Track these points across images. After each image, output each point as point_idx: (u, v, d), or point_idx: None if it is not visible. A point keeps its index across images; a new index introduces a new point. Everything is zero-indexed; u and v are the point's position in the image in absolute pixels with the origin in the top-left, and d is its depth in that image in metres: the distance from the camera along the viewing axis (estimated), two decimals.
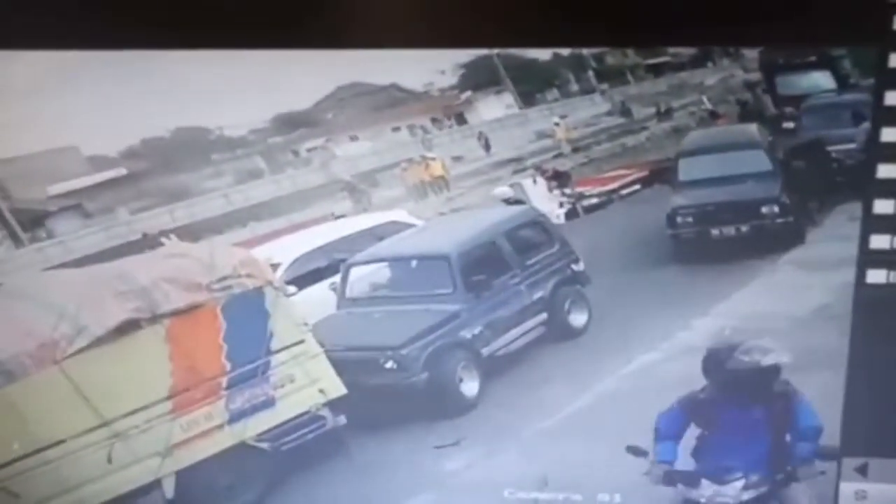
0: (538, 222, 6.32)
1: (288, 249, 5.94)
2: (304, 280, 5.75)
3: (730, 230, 6.15)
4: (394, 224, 6.28)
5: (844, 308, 3.64)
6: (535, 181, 6.86)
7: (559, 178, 6.95)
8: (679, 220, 6.26)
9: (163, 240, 5.41)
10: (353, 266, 6.11)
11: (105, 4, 3.02)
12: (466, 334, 5.64)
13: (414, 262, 6.08)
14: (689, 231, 6.24)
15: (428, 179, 6.75)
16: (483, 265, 5.84)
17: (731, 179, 6.27)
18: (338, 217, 6.59)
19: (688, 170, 6.39)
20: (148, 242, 5.51)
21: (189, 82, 4.27)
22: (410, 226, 6.32)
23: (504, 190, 6.84)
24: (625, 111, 7.21)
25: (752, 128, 6.50)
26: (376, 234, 6.19)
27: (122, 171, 5.60)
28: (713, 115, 6.91)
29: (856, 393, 3.67)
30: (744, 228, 6.13)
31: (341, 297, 6.07)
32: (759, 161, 6.25)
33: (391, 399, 5.43)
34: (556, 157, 7.07)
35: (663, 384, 5.44)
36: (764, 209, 6.13)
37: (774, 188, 6.16)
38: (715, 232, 6.17)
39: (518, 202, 6.81)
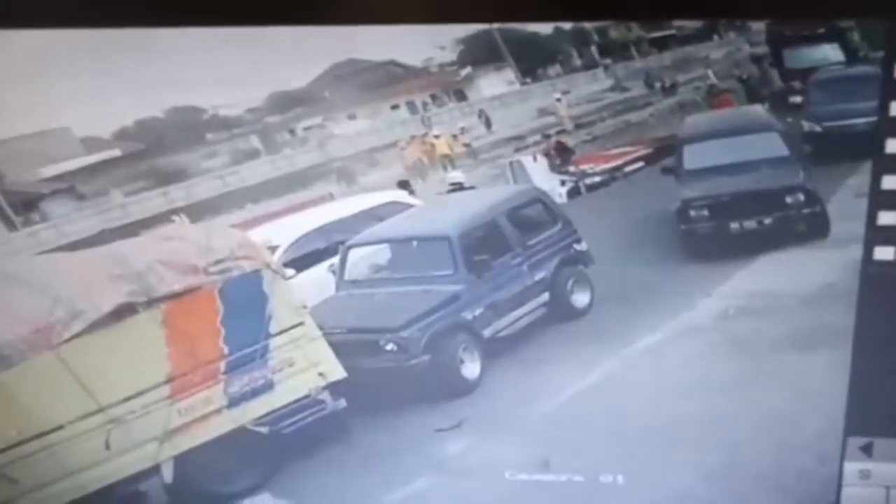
0: (540, 201, 6.25)
1: (286, 231, 5.88)
2: (302, 262, 5.70)
3: (751, 223, 5.81)
4: (393, 204, 6.23)
5: (851, 286, 3.59)
6: (535, 158, 6.79)
7: (562, 153, 6.87)
8: (693, 213, 5.93)
9: (174, 217, 5.38)
10: (352, 248, 6.06)
11: None
12: (467, 315, 5.59)
13: (414, 243, 6.03)
14: (704, 226, 5.92)
15: (428, 160, 6.69)
16: (484, 245, 5.78)
17: (744, 167, 5.94)
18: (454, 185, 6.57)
19: (694, 157, 6.06)
20: (105, 238, 5.46)
21: (183, 61, 4.21)
22: (410, 206, 6.27)
23: (455, 175, 6.79)
24: (648, 83, 7.09)
25: (760, 109, 6.31)
26: (376, 214, 6.14)
27: (116, 153, 5.55)
28: (715, 91, 6.78)
29: (861, 372, 3.63)
30: (766, 221, 5.79)
31: (340, 278, 6.03)
32: (773, 145, 5.92)
33: (392, 382, 5.40)
34: (558, 133, 7.00)
35: (666, 365, 5.44)
36: (788, 199, 5.79)
37: (797, 175, 5.83)
38: (734, 226, 5.83)
39: (465, 188, 6.77)
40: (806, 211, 5.80)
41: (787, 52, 6.45)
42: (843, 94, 5.84)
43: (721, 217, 5.92)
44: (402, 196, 6.30)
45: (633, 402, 4.98)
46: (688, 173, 6.18)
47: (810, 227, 5.80)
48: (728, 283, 5.59)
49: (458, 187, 6.57)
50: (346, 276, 6.03)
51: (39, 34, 3.25)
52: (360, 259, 6.04)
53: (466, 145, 6.74)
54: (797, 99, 6.18)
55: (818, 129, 6.12)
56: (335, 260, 5.99)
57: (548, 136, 6.91)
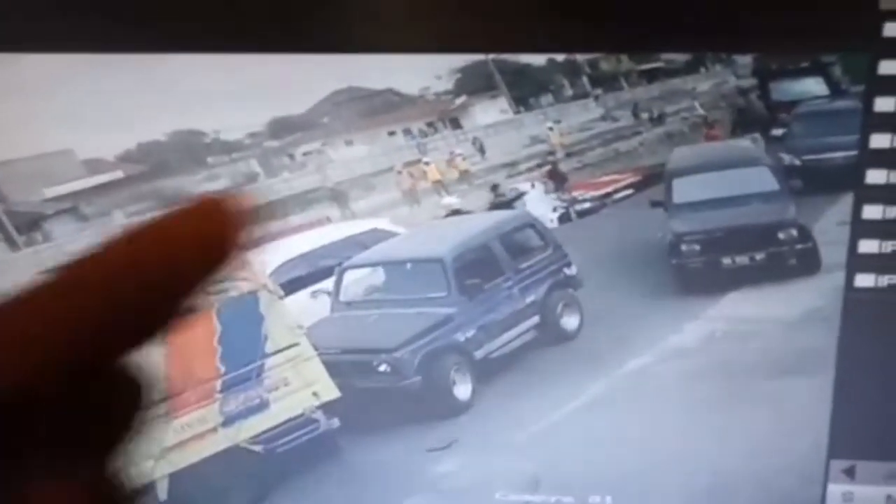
0: (532, 226, 6.31)
1: (272, 256, 5.89)
2: (285, 288, 5.72)
3: (743, 259, 5.59)
4: (376, 232, 6.26)
5: (833, 312, 3.69)
6: (533, 185, 6.85)
7: (557, 179, 6.93)
8: (684, 248, 5.71)
9: None
10: (347, 269, 6.10)
11: (100, 7, 3.05)
12: (460, 337, 5.62)
13: (408, 265, 6.06)
14: (696, 261, 5.71)
15: (423, 185, 6.74)
16: (477, 268, 5.79)
17: (734, 201, 5.73)
18: (452, 212, 6.58)
19: (683, 191, 5.89)
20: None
21: (185, 86, 4.28)
22: (393, 233, 6.30)
23: (451, 200, 6.84)
24: (634, 114, 7.15)
25: (749, 142, 6.33)
26: (359, 241, 6.14)
27: (119, 175, 5.58)
28: (705, 123, 6.83)
29: (844, 396, 3.69)
30: (759, 256, 5.58)
31: (335, 300, 6.03)
32: (763, 179, 5.85)
33: (385, 402, 5.38)
34: (552, 157, 7.06)
35: (655, 387, 5.48)
36: (781, 234, 5.67)
37: (788, 210, 5.72)
38: (726, 261, 5.60)
39: (463, 213, 6.82)
40: (798, 247, 5.73)
41: (773, 85, 6.49)
42: (823, 127, 5.83)
43: (713, 252, 5.85)
44: (384, 223, 6.35)
45: (622, 423, 4.99)
46: (678, 207, 6.13)
47: (802, 262, 5.76)
48: (715, 307, 5.63)
49: (454, 213, 6.62)
50: (341, 298, 6.02)
51: (44, 58, 3.33)
52: (355, 281, 5.97)
53: (465, 171, 6.81)
54: (778, 132, 6.23)
55: (797, 162, 6.16)
56: (318, 286, 6.01)
57: (544, 165, 6.98)
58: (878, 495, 3.82)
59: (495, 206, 6.49)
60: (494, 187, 6.62)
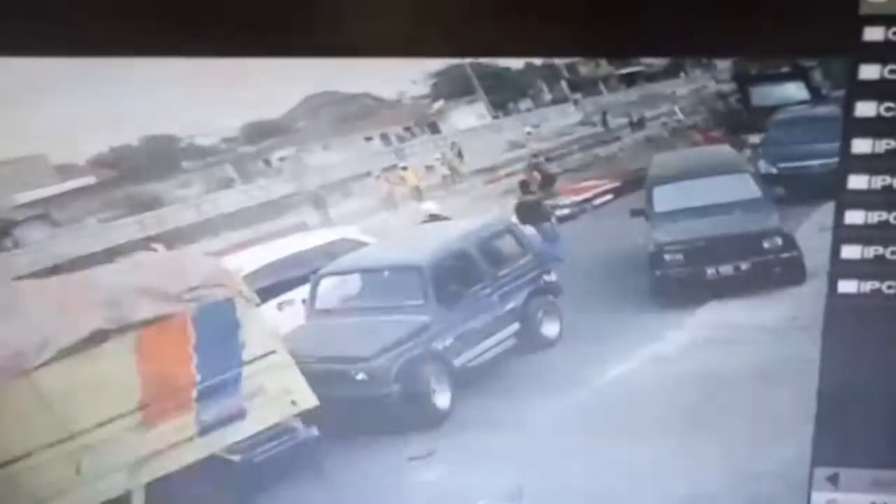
0: (510, 231, 6.28)
1: (244, 263, 5.81)
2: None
3: (728, 269, 5.67)
4: (344, 241, 6.17)
5: (816, 318, 3.66)
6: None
7: (546, 179, 6.86)
8: (667, 258, 5.80)
9: (154, 246, 5.30)
10: (323, 277, 6.03)
11: (74, 13, 2.98)
12: (438, 345, 5.62)
13: (385, 273, 6.06)
14: (679, 271, 5.79)
15: (401, 191, 6.68)
16: (455, 276, 5.79)
17: (716, 209, 5.84)
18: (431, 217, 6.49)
19: (664, 199, 5.99)
20: (80, 264, 5.40)
21: (159, 90, 4.21)
22: (362, 243, 6.20)
23: (430, 205, 6.77)
24: (604, 122, 7.14)
25: (729, 149, 6.20)
26: (327, 251, 6.08)
27: (91, 180, 5.50)
28: (699, 126, 6.73)
29: (827, 403, 3.67)
30: (744, 266, 5.65)
31: (311, 308, 6.00)
32: (745, 187, 5.84)
33: (363, 411, 5.38)
34: (536, 159, 7.01)
35: (636, 395, 5.44)
36: (766, 243, 5.65)
37: (772, 218, 5.72)
38: (711, 271, 5.69)
39: (441, 218, 6.74)
40: (784, 256, 5.65)
41: (753, 91, 6.45)
42: (801, 135, 5.76)
43: (697, 262, 5.74)
44: (353, 233, 6.25)
45: (603, 431, 4.99)
46: (659, 216, 6.04)
47: (787, 271, 5.66)
48: (696, 315, 5.58)
49: (433, 218, 6.56)
50: (317, 306, 6.00)
51: (16, 63, 3.26)
52: (331, 288, 6.03)
53: (446, 176, 6.75)
54: (756, 138, 6.15)
55: (774, 170, 6.06)
56: (283, 297, 5.93)
57: (532, 167, 6.92)
58: (862, 503, 3.78)
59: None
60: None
